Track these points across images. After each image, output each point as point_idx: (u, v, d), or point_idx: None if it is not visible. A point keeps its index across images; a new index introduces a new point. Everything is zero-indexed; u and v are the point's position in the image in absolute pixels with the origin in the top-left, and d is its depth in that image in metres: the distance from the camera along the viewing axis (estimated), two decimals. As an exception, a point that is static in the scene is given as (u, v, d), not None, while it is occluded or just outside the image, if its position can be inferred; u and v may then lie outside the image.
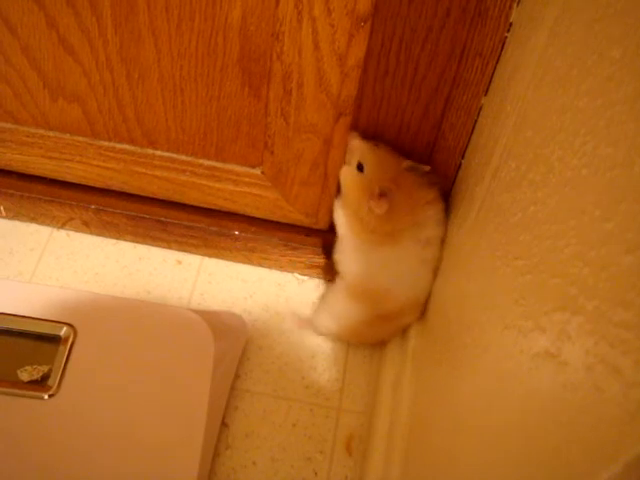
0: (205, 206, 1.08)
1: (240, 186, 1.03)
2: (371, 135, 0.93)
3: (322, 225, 1.06)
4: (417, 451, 0.84)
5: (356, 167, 0.92)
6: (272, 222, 1.09)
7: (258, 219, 1.09)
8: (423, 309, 1.00)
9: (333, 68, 0.83)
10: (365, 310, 0.99)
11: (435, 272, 0.96)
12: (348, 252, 0.99)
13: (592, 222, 0.41)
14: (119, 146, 1.01)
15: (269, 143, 0.95)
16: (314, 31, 0.80)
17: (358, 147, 0.92)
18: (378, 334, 1.05)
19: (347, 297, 1.00)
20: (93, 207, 1.12)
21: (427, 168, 0.92)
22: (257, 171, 1.00)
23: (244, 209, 1.07)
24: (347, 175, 0.94)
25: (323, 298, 1.10)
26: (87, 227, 1.16)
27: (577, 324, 0.40)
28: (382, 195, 0.89)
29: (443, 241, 0.95)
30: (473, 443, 0.61)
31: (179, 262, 1.17)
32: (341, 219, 0.98)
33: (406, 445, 0.89)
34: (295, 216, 1.06)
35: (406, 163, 0.91)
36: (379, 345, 1.08)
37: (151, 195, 1.08)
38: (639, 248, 0.34)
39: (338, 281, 1.03)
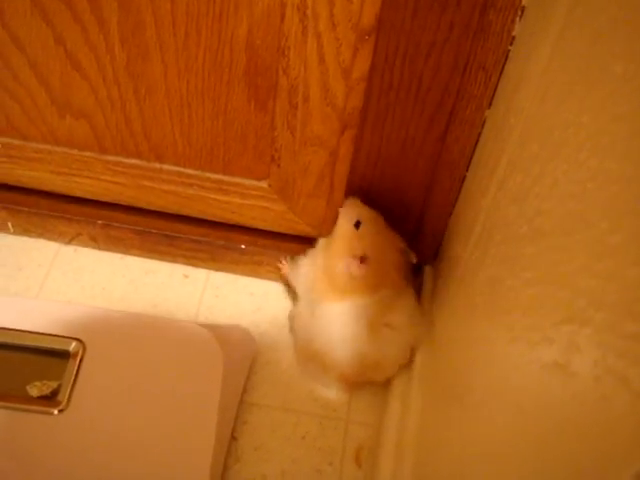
0: (212, 219, 1.08)
1: (247, 199, 1.03)
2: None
3: (326, 235, 1.07)
4: (426, 462, 0.84)
5: (354, 224, 0.95)
6: (278, 235, 1.10)
7: (264, 232, 1.10)
8: (393, 371, 1.01)
9: (338, 81, 0.84)
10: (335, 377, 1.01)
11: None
12: (301, 310, 1.04)
13: (598, 235, 0.41)
14: (127, 161, 1.02)
15: (276, 156, 0.96)
16: (319, 45, 0.81)
17: (357, 205, 0.97)
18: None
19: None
20: (100, 222, 1.12)
21: (414, 259, 0.97)
22: (264, 184, 1.01)
23: (251, 222, 1.07)
24: (341, 226, 0.97)
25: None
26: (94, 242, 1.17)
27: (585, 335, 0.40)
28: (364, 259, 0.92)
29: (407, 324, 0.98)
30: (482, 454, 0.61)
31: (186, 276, 1.18)
32: (307, 273, 1.02)
33: (415, 456, 0.89)
34: (301, 228, 1.07)
35: (399, 245, 0.96)
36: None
37: (159, 209, 1.09)
38: (645, 261, 0.35)
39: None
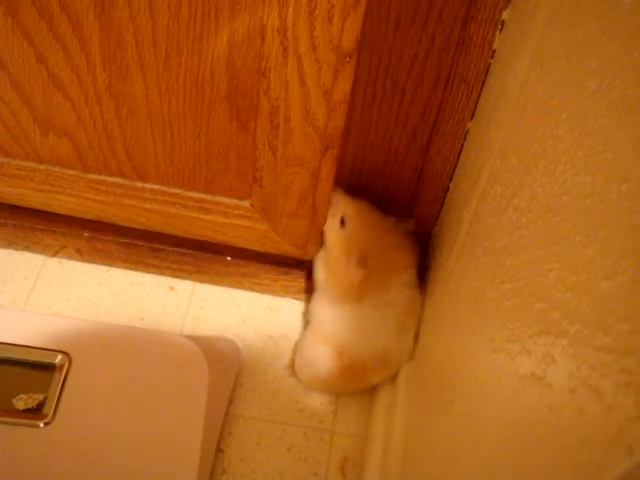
0: (195, 238, 1.08)
1: (229, 218, 1.03)
2: (358, 171, 0.97)
3: (311, 256, 1.07)
4: (412, 473, 0.84)
5: (339, 222, 0.95)
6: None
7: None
8: (393, 371, 1.02)
9: (319, 103, 0.84)
10: (333, 360, 1.00)
11: (401, 332, 0.99)
12: (321, 303, 1.03)
13: (573, 248, 0.42)
14: (109, 179, 1.02)
15: (258, 176, 0.96)
16: (300, 67, 0.81)
17: (342, 201, 0.96)
18: (349, 386, 1.06)
19: (317, 344, 1.03)
20: (86, 235, 1.12)
21: (411, 224, 0.98)
22: (246, 203, 1.01)
23: (234, 241, 1.07)
24: (330, 230, 0.98)
25: (297, 345, 1.11)
26: (80, 255, 1.17)
27: (561, 347, 0.41)
28: (360, 263, 0.92)
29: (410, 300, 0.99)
30: (466, 464, 0.62)
31: (172, 288, 1.18)
32: (320, 272, 1.02)
33: (401, 467, 0.89)
34: (284, 247, 1.06)
35: (390, 221, 0.96)
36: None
37: (142, 227, 1.09)
38: (617, 274, 0.35)
39: (308, 329, 1.06)
